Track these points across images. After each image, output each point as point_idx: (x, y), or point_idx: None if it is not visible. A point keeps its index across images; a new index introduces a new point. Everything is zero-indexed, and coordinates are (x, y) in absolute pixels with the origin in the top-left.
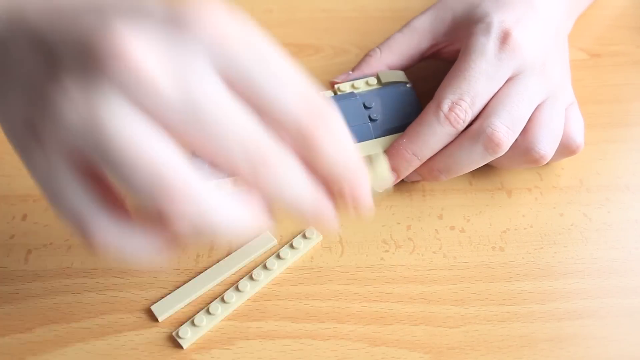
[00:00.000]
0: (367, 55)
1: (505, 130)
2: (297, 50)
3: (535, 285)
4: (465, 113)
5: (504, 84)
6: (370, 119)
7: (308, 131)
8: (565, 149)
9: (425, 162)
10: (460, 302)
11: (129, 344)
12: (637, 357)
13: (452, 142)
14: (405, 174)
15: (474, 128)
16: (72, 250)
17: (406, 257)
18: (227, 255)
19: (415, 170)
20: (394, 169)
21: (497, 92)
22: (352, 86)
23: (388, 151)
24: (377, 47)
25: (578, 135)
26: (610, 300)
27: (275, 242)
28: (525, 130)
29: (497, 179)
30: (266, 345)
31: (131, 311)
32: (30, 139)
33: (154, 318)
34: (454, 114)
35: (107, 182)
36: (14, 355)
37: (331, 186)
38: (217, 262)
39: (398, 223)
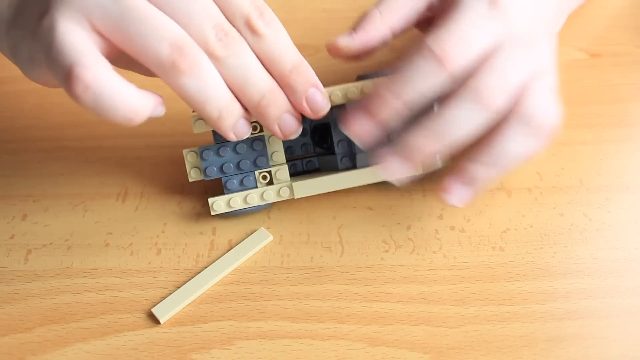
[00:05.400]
0: (366, 15)
1: (500, 90)
2: None
3: (535, 285)
4: (457, 54)
5: (490, 53)
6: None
7: (254, 22)
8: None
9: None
10: (460, 302)
11: (129, 344)
12: (637, 357)
13: (442, 108)
14: (380, 114)
15: (464, 89)
16: (72, 250)
17: (406, 257)
18: (225, 254)
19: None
20: (370, 111)
21: (484, 59)
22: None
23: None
24: (375, 7)
25: (550, 115)
26: (610, 300)
27: (271, 238)
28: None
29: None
30: (266, 345)
31: (131, 311)
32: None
33: (153, 318)
34: (445, 52)
35: None
36: (14, 355)
37: (280, 77)
38: (216, 260)
39: (398, 223)
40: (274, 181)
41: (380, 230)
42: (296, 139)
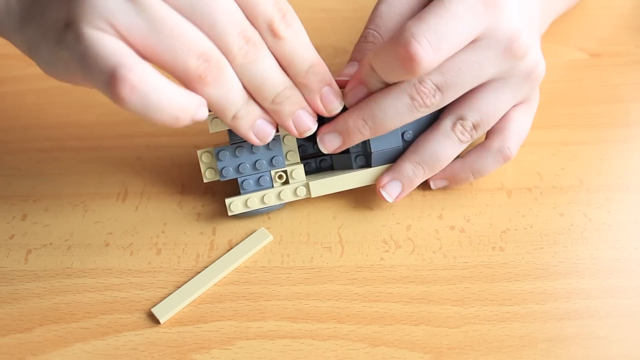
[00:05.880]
0: (364, 41)
1: (433, 91)
2: None
3: (535, 285)
4: (424, 54)
5: (462, 51)
6: (403, 139)
7: (276, 25)
8: (498, 152)
9: (351, 112)
10: (460, 302)
11: (129, 344)
12: (637, 357)
13: (381, 90)
14: (368, 84)
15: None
16: (72, 250)
17: (406, 257)
18: (225, 254)
19: (341, 125)
20: (361, 80)
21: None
22: None
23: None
24: (370, 29)
25: (512, 141)
26: (610, 300)
27: (271, 237)
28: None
29: (497, 179)
30: (266, 345)
31: (131, 311)
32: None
33: (153, 318)
34: (410, 50)
35: None
36: (13, 355)
37: (296, 77)
38: (216, 260)
39: (398, 223)
40: (290, 180)
41: (380, 230)
42: (310, 137)
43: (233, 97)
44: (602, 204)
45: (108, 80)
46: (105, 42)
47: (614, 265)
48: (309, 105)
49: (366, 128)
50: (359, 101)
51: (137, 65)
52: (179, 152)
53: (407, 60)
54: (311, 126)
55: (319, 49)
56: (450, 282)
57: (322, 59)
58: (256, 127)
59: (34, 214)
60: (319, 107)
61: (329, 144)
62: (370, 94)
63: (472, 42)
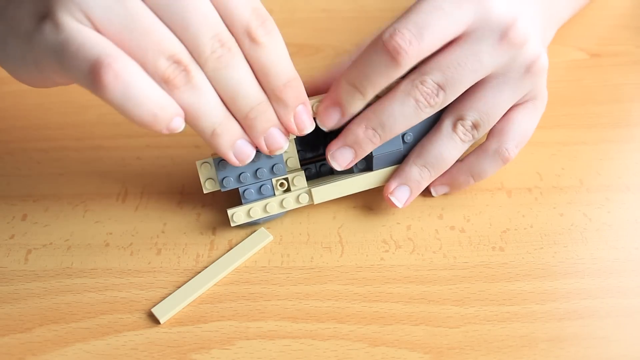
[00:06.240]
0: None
1: (435, 90)
2: (297, 50)
3: (535, 285)
4: (408, 43)
5: (455, 42)
6: (404, 142)
7: (254, 30)
8: (496, 154)
9: (358, 123)
10: (460, 302)
11: (129, 344)
12: (637, 357)
13: (385, 96)
14: (342, 102)
15: (407, 82)
16: (72, 250)
17: (406, 257)
18: (225, 254)
19: (351, 138)
20: (335, 101)
21: (444, 49)
22: None
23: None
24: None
25: (510, 142)
26: (610, 300)
27: (271, 238)
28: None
29: (497, 179)
30: (266, 345)
31: (131, 311)
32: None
33: (153, 318)
34: (393, 41)
35: None
36: (13, 355)
37: (272, 90)
38: (216, 260)
39: (398, 223)
40: (291, 188)
41: (380, 230)
42: (308, 142)
43: (207, 107)
44: (602, 204)
45: (91, 68)
46: (87, 32)
47: (614, 265)
48: (281, 122)
49: (377, 137)
50: (335, 122)
51: (121, 55)
52: (179, 152)
53: (390, 50)
54: (283, 145)
55: (319, 49)
56: (450, 282)
57: (322, 59)
58: (237, 148)
59: (34, 214)
60: (291, 126)
61: (341, 160)
62: (344, 116)
63: (465, 35)
